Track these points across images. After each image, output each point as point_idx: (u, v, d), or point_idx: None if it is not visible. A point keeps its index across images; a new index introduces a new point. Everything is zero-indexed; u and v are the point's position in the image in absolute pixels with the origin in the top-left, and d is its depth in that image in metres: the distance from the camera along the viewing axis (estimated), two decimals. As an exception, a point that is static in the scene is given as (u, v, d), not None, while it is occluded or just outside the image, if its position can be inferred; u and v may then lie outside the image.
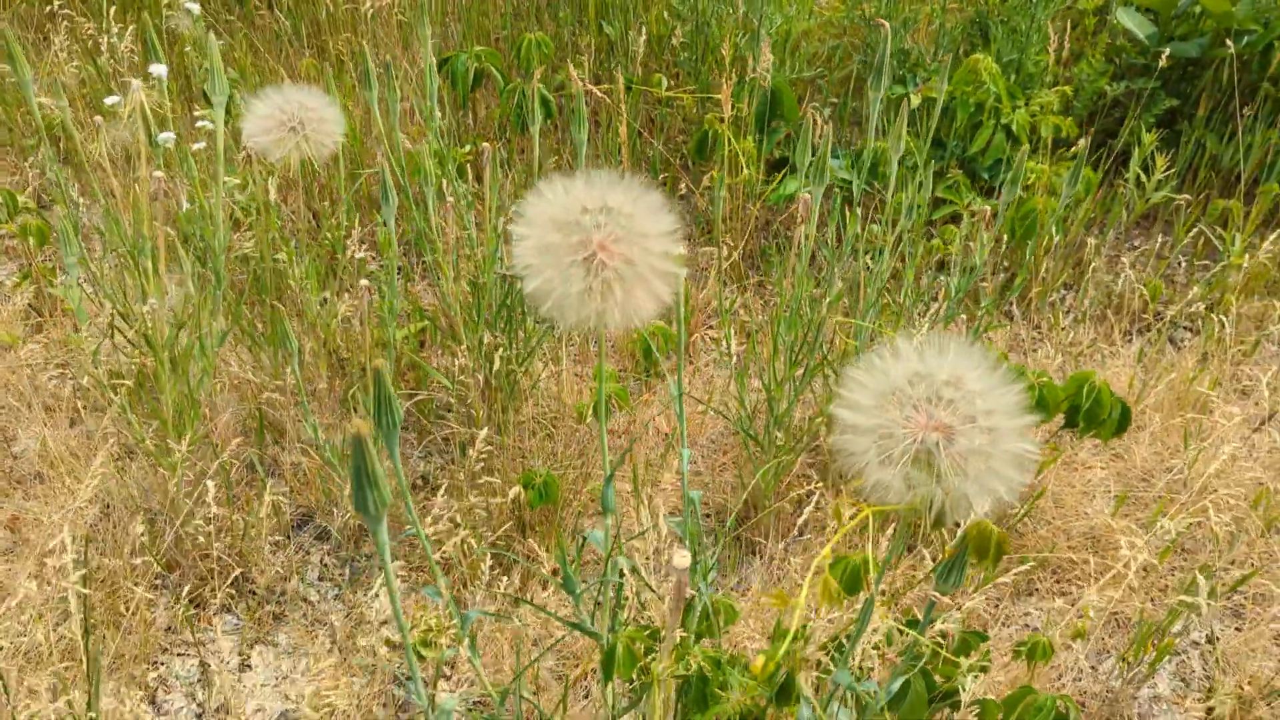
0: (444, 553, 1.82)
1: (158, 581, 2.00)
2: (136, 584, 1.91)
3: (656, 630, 1.16)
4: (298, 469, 2.15)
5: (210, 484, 1.71)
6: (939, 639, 1.33)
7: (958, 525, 0.98)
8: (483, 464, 1.85)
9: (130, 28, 2.45)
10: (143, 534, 1.71)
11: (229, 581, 1.99)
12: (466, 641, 1.19)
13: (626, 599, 1.24)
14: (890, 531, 1.92)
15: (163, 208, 1.62)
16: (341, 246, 1.97)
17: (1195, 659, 1.99)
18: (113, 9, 2.48)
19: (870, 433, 0.89)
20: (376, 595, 2.02)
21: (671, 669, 1.01)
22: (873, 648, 1.31)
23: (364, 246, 2.23)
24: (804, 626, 1.21)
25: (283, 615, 2.01)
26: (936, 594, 1.08)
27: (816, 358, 1.93)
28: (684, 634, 1.19)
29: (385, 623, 1.98)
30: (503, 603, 1.88)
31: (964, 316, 2.23)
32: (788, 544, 2.06)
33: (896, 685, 1.16)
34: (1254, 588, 2.07)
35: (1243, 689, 1.86)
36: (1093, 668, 1.96)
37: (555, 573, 1.97)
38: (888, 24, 1.53)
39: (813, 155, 2.62)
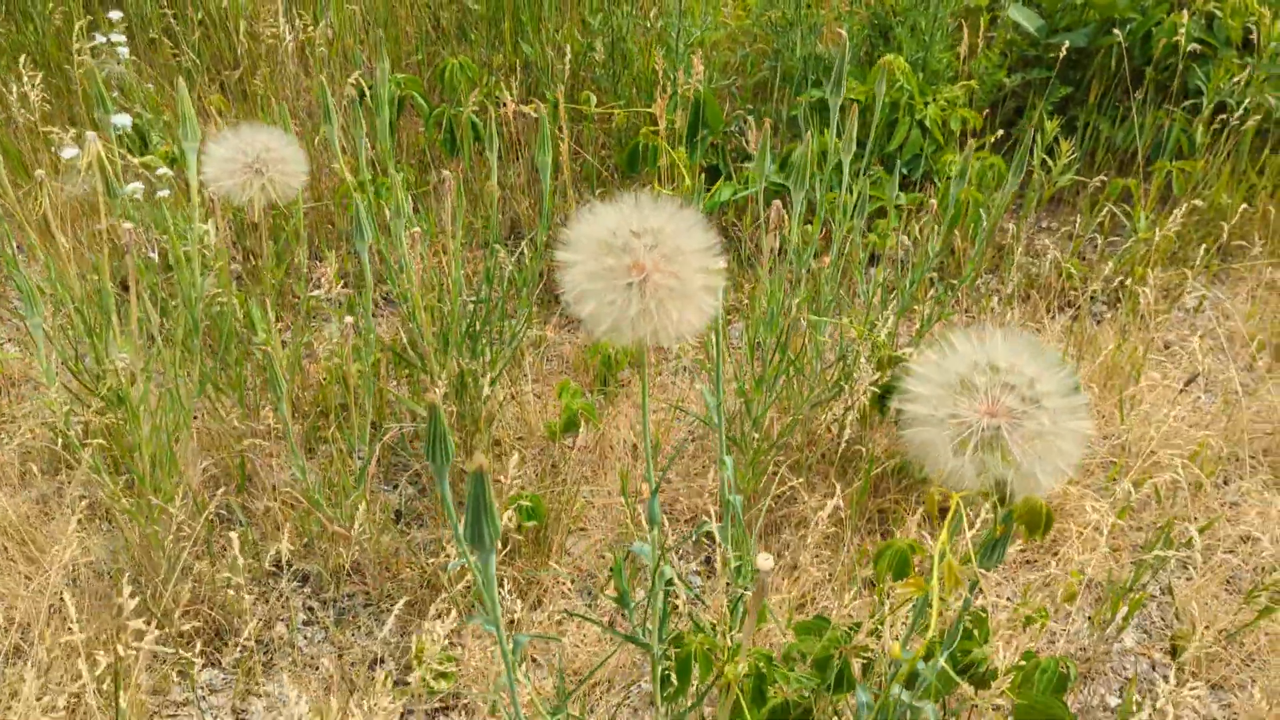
0: (454, 583, 1.81)
1: (138, 644, 1.93)
2: (120, 650, 1.84)
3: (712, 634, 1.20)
4: (269, 514, 2.11)
5: (234, 534, 1.67)
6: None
7: (997, 505, 1.04)
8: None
9: (39, 76, 2.36)
10: (131, 596, 1.66)
11: (216, 636, 1.94)
12: (523, 668, 1.20)
13: (675, 608, 1.27)
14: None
15: (133, 260, 1.58)
16: (304, 284, 1.94)
17: (1154, 610, 2.12)
18: (22, 57, 2.39)
19: (940, 423, 0.95)
20: (370, 633, 2.00)
21: (746, 670, 1.05)
22: (900, 625, 1.37)
23: (321, 283, 2.20)
24: (823, 622, 1.26)
25: (271, 664, 1.97)
26: (981, 570, 1.15)
27: (785, 361, 1.99)
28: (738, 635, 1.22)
29: (380, 661, 1.96)
30: (512, 625, 1.88)
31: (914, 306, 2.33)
32: (768, 541, 2.11)
33: (942, 660, 1.22)
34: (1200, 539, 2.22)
35: (1204, 635, 1.99)
36: (1064, 628, 2.07)
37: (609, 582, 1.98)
38: (844, 32, 1.60)
39: (770, 162, 2.69)
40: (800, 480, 2.09)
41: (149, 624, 1.80)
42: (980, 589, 1.15)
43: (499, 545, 2.00)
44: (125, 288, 2.38)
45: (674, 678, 1.24)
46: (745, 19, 3.23)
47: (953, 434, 0.94)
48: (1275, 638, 2.00)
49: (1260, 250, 2.88)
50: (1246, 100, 2.89)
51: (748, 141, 2.91)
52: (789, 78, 3.03)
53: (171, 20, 3.18)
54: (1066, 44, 2.96)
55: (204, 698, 1.91)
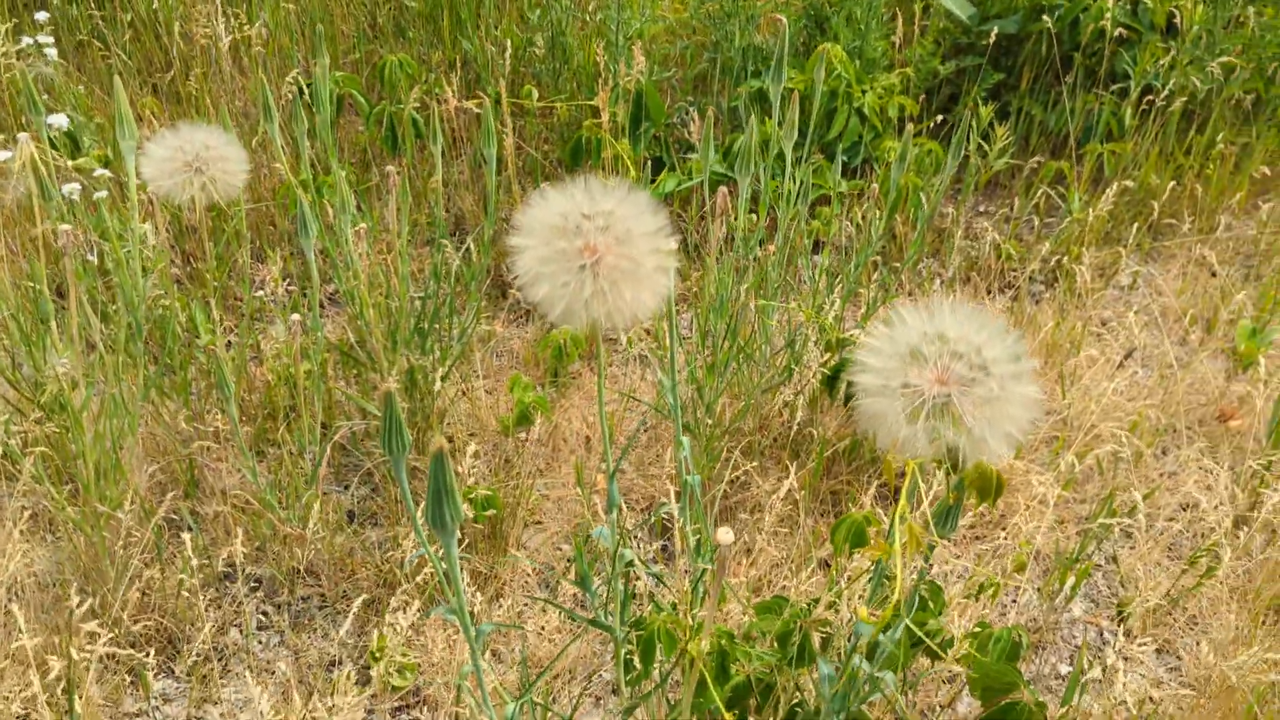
0: (418, 574, 1.80)
1: (91, 648, 1.90)
2: (74, 654, 1.81)
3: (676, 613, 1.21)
4: (219, 518, 2.08)
5: (186, 537, 1.64)
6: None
7: (949, 473, 1.06)
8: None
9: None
10: (80, 604, 1.63)
11: (169, 643, 1.91)
12: (485, 658, 1.20)
13: (635, 595, 1.27)
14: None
15: (71, 263, 1.55)
16: (247, 285, 1.92)
17: (1100, 580, 2.18)
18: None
19: (892, 393, 0.96)
20: (326, 635, 1.98)
21: (709, 648, 1.06)
22: (858, 598, 1.39)
23: (265, 284, 2.17)
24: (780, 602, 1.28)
25: (227, 670, 1.94)
26: (933, 539, 1.17)
27: (735, 347, 2.01)
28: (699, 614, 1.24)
29: (338, 662, 1.94)
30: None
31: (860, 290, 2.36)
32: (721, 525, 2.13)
33: (899, 632, 1.24)
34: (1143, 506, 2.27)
35: (1147, 597, 2.05)
36: (1014, 600, 2.11)
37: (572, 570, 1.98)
38: (784, 19, 1.62)
39: (714, 152, 2.69)
40: (754, 464, 2.11)
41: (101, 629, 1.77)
42: (931, 562, 1.17)
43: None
44: (62, 295, 2.33)
45: (637, 660, 1.25)
46: (683, 11, 3.24)
47: (905, 403, 0.96)
48: (1216, 601, 2.06)
49: (1189, 228, 2.96)
50: (1171, 83, 2.96)
51: (690, 133, 2.93)
52: (728, 69, 3.05)
53: (100, 22, 3.12)
54: (996, 30, 3.02)
55: (158, 707, 1.88)
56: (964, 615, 1.74)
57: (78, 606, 1.69)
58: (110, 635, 1.52)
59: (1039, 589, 2.09)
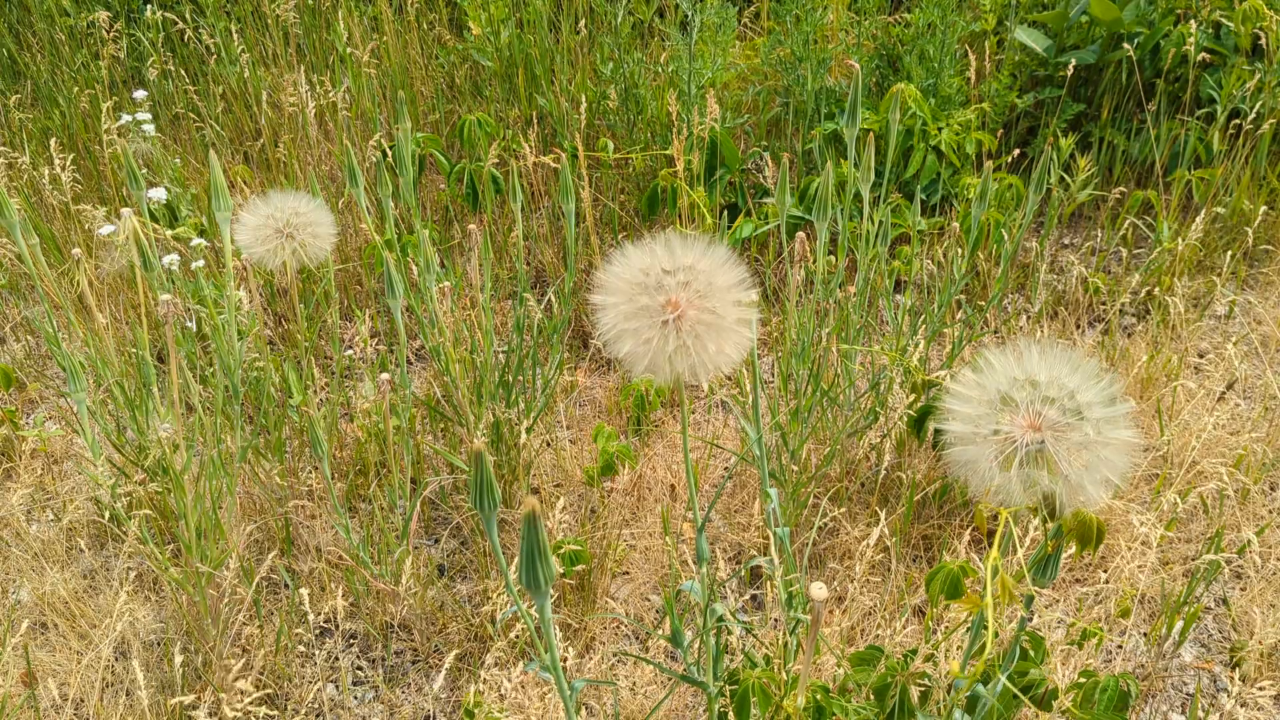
0: (510, 632, 1.81)
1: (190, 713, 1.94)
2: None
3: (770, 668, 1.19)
4: (315, 575, 2.12)
5: (304, 592, 1.68)
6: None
7: (1046, 520, 1.03)
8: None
9: (69, 158, 2.42)
10: (182, 664, 1.67)
11: (268, 700, 1.95)
12: (579, 715, 1.20)
13: (727, 647, 1.26)
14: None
15: (171, 330, 1.61)
16: (337, 345, 1.97)
17: (1210, 623, 2.09)
18: (51, 141, 2.45)
19: (984, 441, 0.95)
20: (420, 690, 2.00)
21: (804, 703, 1.04)
22: (956, 649, 1.35)
23: (353, 343, 2.22)
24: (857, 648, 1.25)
25: (325, 726, 1.97)
26: (1034, 589, 1.14)
27: (819, 392, 1.99)
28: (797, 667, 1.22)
29: (431, 717, 1.96)
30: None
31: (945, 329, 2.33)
32: (813, 574, 2.10)
33: (1000, 685, 1.21)
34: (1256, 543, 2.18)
35: (1264, 643, 1.96)
36: (1119, 646, 2.04)
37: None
38: (857, 63, 1.62)
39: (789, 196, 2.70)
40: (841, 510, 2.08)
41: (203, 692, 1.81)
42: (1032, 612, 1.14)
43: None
44: (162, 360, 2.42)
45: (732, 716, 1.23)
46: (755, 58, 3.26)
47: (997, 450, 0.94)
48: (1337, 643, 1.96)
49: (1288, 253, 2.86)
50: (1260, 105, 2.88)
51: (764, 177, 2.93)
52: (801, 112, 3.06)
53: (195, 96, 3.25)
54: (1074, 61, 2.98)
55: (259, 763, 1.91)
56: (1067, 664, 1.68)
57: (181, 667, 1.74)
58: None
59: (1145, 634, 2.01)
